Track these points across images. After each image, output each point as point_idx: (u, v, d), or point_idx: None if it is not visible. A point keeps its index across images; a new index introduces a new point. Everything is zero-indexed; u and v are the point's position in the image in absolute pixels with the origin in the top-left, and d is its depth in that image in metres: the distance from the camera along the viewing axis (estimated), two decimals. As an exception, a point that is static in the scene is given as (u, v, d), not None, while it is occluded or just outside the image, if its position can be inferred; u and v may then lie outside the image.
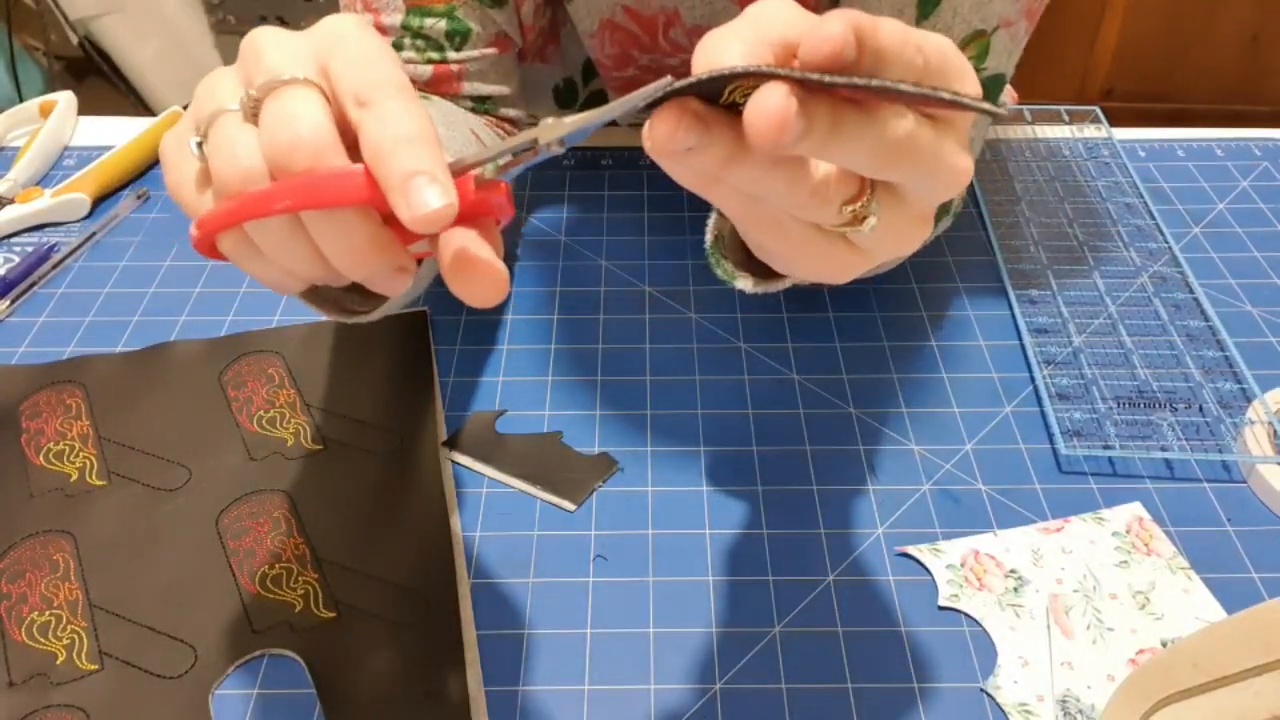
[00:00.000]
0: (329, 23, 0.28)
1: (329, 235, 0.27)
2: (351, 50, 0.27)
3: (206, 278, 0.61)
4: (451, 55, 0.53)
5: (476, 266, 0.27)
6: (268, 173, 0.26)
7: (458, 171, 0.27)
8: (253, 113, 0.27)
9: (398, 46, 0.53)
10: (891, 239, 0.30)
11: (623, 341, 0.57)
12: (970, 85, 0.26)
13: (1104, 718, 0.37)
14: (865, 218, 0.28)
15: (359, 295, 0.38)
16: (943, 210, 0.53)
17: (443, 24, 0.52)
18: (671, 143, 0.24)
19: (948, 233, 0.64)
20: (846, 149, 0.24)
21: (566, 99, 0.71)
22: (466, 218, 0.27)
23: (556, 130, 0.26)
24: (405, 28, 0.52)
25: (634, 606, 0.44)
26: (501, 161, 0.27)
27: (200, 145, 0.28)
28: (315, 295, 0.36)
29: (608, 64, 0.61)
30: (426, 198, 0.25)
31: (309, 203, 0.26)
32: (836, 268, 0.30)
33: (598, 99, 0.71)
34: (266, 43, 0.28)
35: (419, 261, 0.29)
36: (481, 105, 0.56)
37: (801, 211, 0.28)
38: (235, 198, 0.26)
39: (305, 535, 0.46)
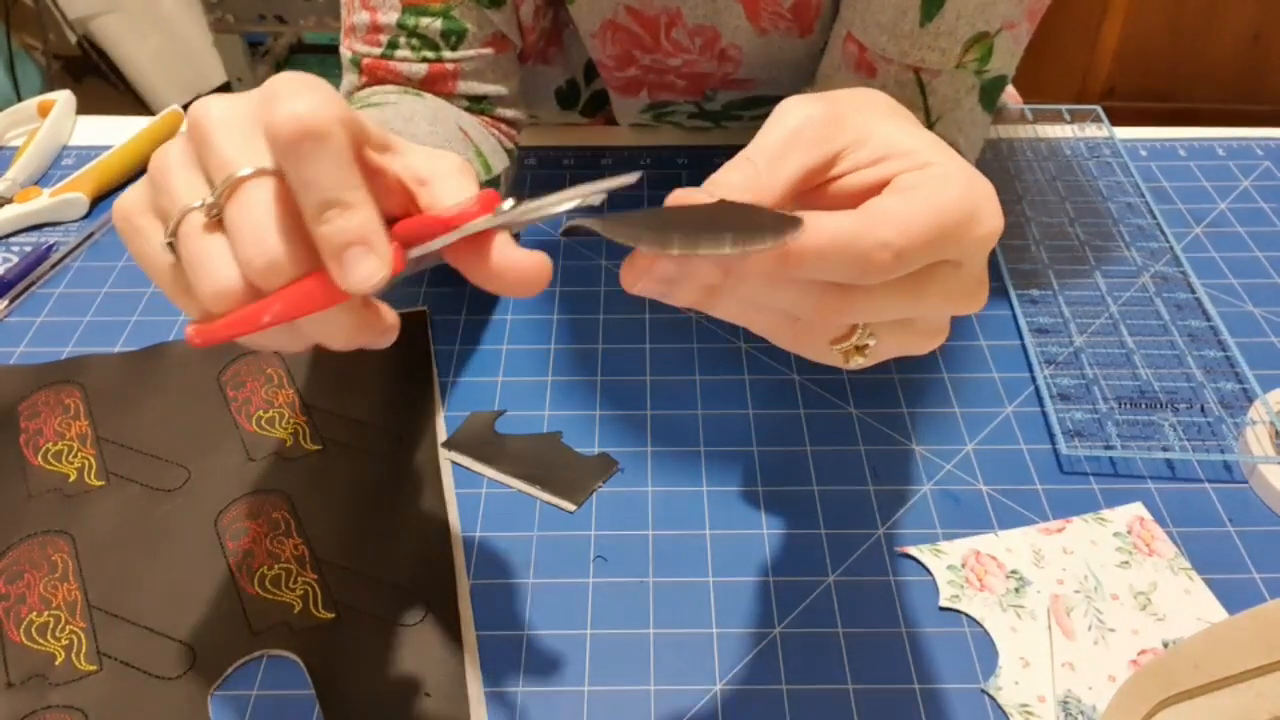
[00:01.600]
0: (271, 83, 0.29)
1: (318, 329, 0.28)
2: (270, 110, 0.27)
3: (205, 277, 0.61)
4: (447, 55, 0.53)
5: (510, 272, 0.29)
6: (247, 288, 0.27)
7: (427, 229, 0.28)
8: (216, 216, 0.28)
9: (393, 45, 0.53)
10: (900, 352, 0.31)
11: (623, 341, 0.56)
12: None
13: (1105, 718, 0.37)
14: (863, 347, 0.30)
15: None
16: None
17: (438, 23, 0.52)
18: (644, 288, 0.27)
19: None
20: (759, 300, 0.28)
21: (568, 100, 0.70)
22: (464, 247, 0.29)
23: (517, 215, 0.28)
24: (401, 26, 0.52)
25: (634, 607, 0.44)
26: (468, 233, 0.28)
27: (171, 245, 0.29)
28: None
29: (609, 64, 0.61)
30: (360, 268, 0.27)
31: (295, 313, 0.27)
32: (855, 366, 0.32)
33: (599, 99, 0.70)
34: (214, 123, 0.28)
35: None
36: (477, 105, 0.56)
37: (795, 350, 0.30)
38: (225, 316, 0.28)
39: (304, 536, 0.46)
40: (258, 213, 0.27)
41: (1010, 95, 0.79)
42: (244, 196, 0.27)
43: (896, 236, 0.26)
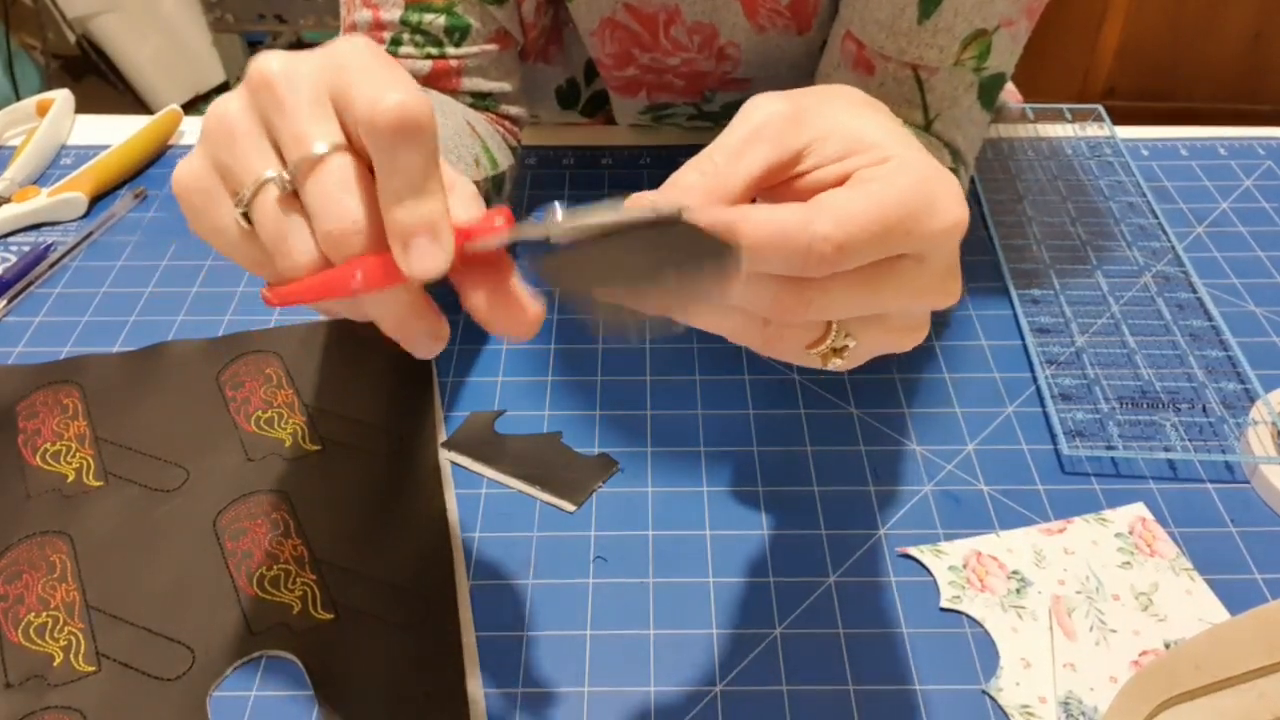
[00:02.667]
0: (337, 50, 0.29)
1: (377, 306, 0.29)
2: (361, 89, 0.27)
3: (204, 278, 0.61)
4: (450, 51, 0.53)
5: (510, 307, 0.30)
6: (324, 261, 0.28)
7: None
8: (290, 189, 0.28)
9: (396, 42, 0.53)
10: (881, 350, 0.31)
11: (623, 342, 0.56)
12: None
13: (1106, 719, 0.37)
14: (841, 349, 0.30)
15: None
16: None
17: (442, 20, 0.52)
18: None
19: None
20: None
21: (569, 99, 0.70)
22: (479, 262, 0.29)
23: (566, 228, 0.28)
24: (404, 23, 0.52)
25: (634, 607, 0.44)
26: (509, 241, 0.29)
27: (245, 215, 0.29)
28: None
29: (608, 63, 0.61)
30: (425, 256, 0.27)
31: (373, 287, 0.28)
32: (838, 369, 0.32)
33: (600, 99, 0.70)
34: (283, 87, 0.28)
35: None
36: (482, 102, 0.56)
37: (772, 355, 0.31)
38: (303, 281, 0.29)
39: (303, 536, 0.46)
40: (336, 191, 0.27)
41: (1011, 94, 0.78)
42: (323, 174, 0.27)
43: (835, 229, 0.26)
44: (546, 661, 0.42)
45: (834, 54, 0.54)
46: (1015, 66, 0.53)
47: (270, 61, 0.29)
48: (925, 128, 0.52)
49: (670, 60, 0.60)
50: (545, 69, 0.67)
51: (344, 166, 0.28)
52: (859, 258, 0.27)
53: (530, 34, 0.58)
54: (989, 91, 0.52)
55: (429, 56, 0.53)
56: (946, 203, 0.28)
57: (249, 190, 0.28)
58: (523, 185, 0.68)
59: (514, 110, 0.58)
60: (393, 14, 0.52)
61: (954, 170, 0.53)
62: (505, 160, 0.56)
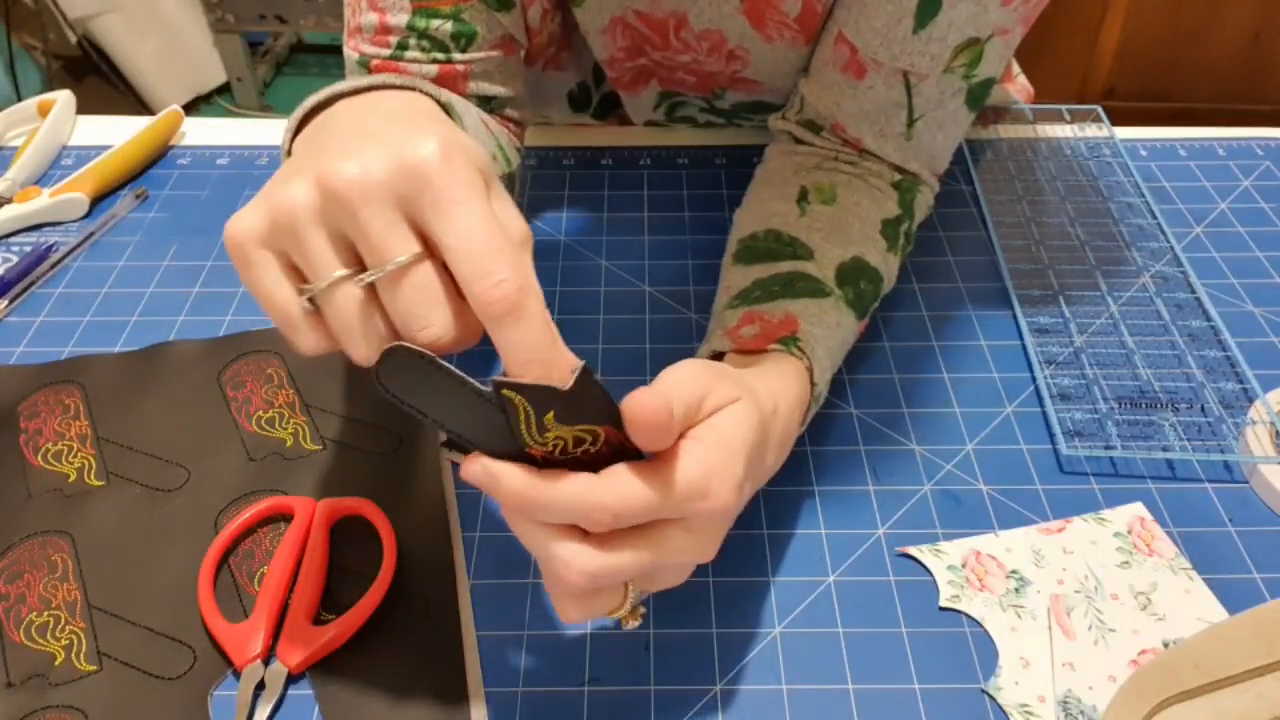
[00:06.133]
0: (423, 163, 0.31)
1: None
2: (461, 225, 0.30)
3: (205, 278, 0.61)
4: (457, 56, 0.53)
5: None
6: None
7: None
8: (367, 286, 0.31)
9: (402, 46, 0.53)
10: (658, 588, 0.36)
11: (623, 341, 0.56)
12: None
13: (1106, 718, 0.37)
14: (636, 608, 0.36)
15: None
16: (905, 239, 0.55)
17: (449, 25, 0.52)
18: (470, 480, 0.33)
19: (948, 231, 0.64)
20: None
21: (580, 103, 0.70)
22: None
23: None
24: (411, 28, 0.52)
25: (634, 607, 0.44)
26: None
27: (312, 300, 0.32)
28: None
29: (620, 56, 0.61)
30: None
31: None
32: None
33: (611, 101, 0.70)
34: (356, 198, 0.30)
35: None
36: (487, 105, 0.56)
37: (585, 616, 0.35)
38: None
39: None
40: (424, 302, 0.31)
41: (1023, 94, 0.78)
42: (409, 285, 0.31)
43: (614, 502, 0.32)
44: (546, 661, 0.42)
45: (825, 52, 0.54)
46: (1012, 67, 0.53)
47: (338, 170, 0.30)
48: (908, 127, 0.53)
49: (681, 59, 0.60)
50: (557, 75, 0.67)
51: (427, 276, 0.31)
52: (630, 522, 0.32)
53: (536, 39, 0.58)
54: (977, 95, 0.53)
55: (435, 61, 0.53)
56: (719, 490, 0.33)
57: (323, 284, 0.31)
58: (523, 186, 0.68)
59: (516, 114, 0.58)
60: (400, 19, 0.52)
61: (912, 192, 0.55)
62: (515, 160, 0.56)
